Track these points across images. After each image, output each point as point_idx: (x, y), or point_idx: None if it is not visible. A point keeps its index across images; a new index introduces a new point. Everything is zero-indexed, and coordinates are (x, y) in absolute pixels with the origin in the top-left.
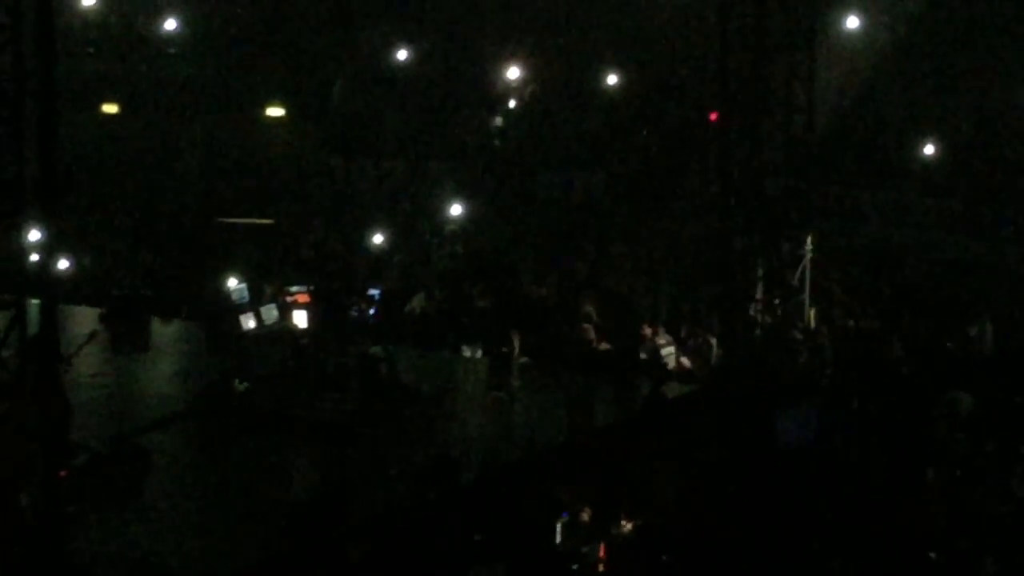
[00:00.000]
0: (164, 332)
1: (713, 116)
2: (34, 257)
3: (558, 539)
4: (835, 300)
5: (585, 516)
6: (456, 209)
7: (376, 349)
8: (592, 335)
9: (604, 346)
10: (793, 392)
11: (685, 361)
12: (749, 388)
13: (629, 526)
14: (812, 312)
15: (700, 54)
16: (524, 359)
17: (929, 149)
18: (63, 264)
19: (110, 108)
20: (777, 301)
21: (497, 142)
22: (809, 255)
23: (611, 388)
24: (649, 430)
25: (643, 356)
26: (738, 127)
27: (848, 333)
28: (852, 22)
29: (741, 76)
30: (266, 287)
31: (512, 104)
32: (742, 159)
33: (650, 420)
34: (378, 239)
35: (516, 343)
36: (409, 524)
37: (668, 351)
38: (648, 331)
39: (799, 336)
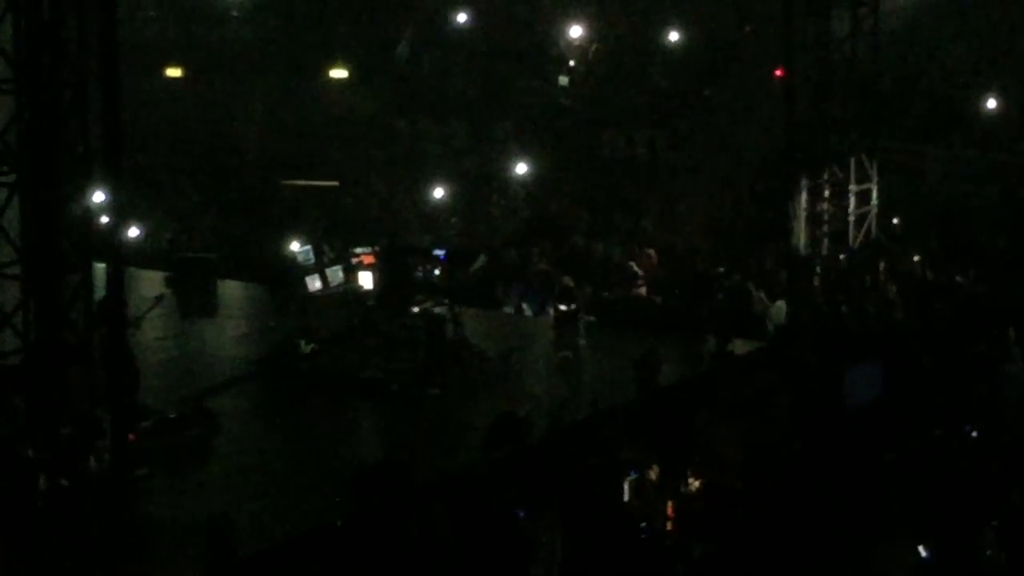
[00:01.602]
0: (230, 295)
1: (778, 72)
2: (101, 221)
3: (626, 497)
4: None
5: (652, 475)
6: (520, 169)
7: (442, 309)
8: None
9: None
10: (861, 348)
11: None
12: (816, 344)
13: (696, 484)
14: (881, 266)
15: (763, 10)
16: (589, 318)
17: (991, 104)
18: (132, 232)
19: (174, 72)
20: (842, 256)
21: (561, 101)
22: (875, 209)
23: (678, 345)
24: (716, 388)
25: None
26: (802, 83)
27: (917, 287)
28: None
29: (805, 31)
30: (331, 248)
31: (574, 63)
32: (807, 115)
33: (717, 378)
34: (442, 199)
35: (581, 301)
36: (476, 484)
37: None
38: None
39: (865, 291)
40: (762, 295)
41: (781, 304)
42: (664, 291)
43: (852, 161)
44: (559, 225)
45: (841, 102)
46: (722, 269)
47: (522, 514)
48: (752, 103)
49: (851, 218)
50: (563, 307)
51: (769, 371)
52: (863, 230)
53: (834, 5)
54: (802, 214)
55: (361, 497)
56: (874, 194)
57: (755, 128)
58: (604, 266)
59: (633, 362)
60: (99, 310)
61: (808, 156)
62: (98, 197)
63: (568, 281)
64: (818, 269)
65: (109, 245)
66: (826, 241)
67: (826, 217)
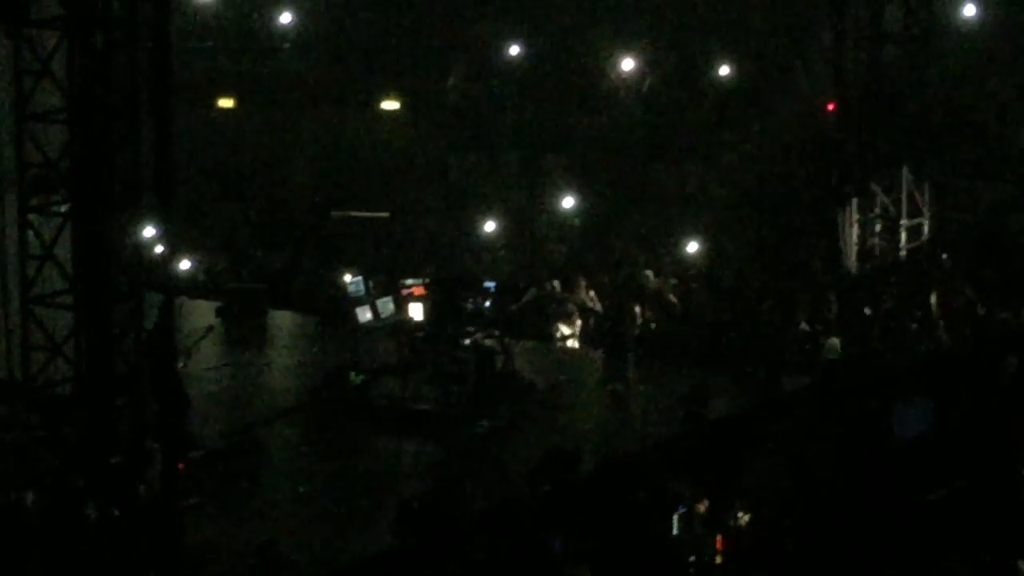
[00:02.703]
0: (280, 325)
1: (829, 106)
2: (153, 250)
3: (675, 531)
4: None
5: (701, 508)
6: (570, 201)
7: (491, 342)
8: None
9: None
10: (910, 382)
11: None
12: (866, 379)
13: (746, 518)
14: (933, 298)
15: (814, 44)
16: (639, 351)
17: None
18: (185, 263)
19: (226, 103)
20: (895, 290)
21: (610, 135)
22: (927, 240)
23: (727, 379)
24: (766, 422)
25: None
26: (853, 117)
27: (968, 320)
28: (968, 10)
29: (856, 66)
30: (381, 280)
31: (625, 96)
32: (856, 149)
33: (767, 411)
34: (492, 231)
35: (632, 334)
36: (524, 517)
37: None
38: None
39: (916, 325)
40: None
41: (835, 341)
42: (713, 325)
43: (904, 196)
44: (610, 258)
45: (891, 135)
46: (769, 303)
47: (557, 544)
48: (802, 136)
49: (903, 253)
50: (614, 340)
51: (818, 405)
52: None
53: (885, 39)
54: (853, 249)
55: (407, 529)
56: (925, 228)
57: (806, 162)
58: (657, 299)
59: (682, 396)
60: (150, 340)
61: (858, 190)
62: (150, 229)
63: (578, 302)
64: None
65: (160, 275)
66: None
67: (877, 252)
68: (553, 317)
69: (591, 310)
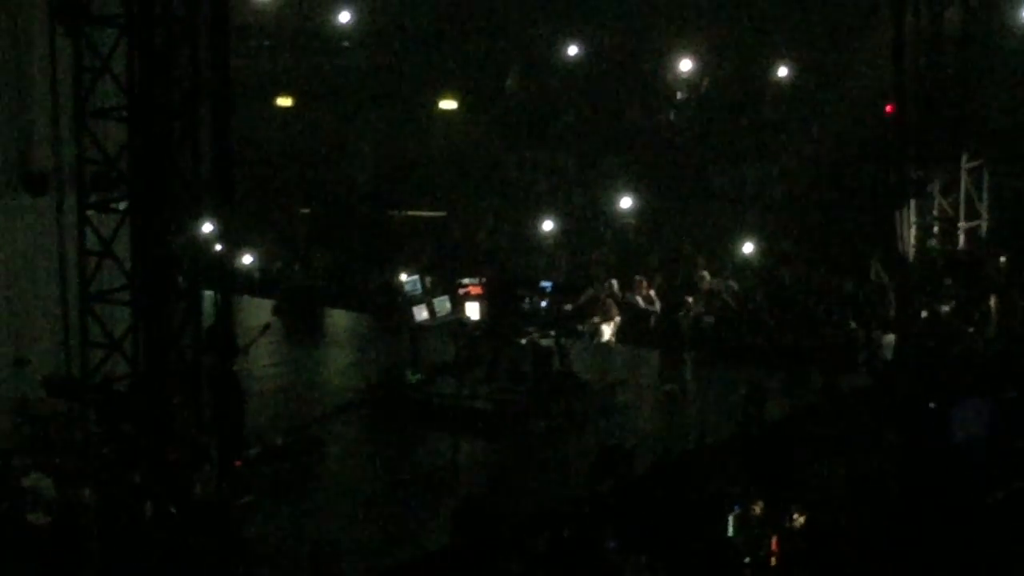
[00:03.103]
0: (337, 324)
1: (889, 108)
2: (211, 248)
3: (730, 532)
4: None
5: (757, 509)
6: (627, 201)
7: (548, 341)
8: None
9: None
10: (968, 384)
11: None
12: (923, 380)
13: (801, 520)
14: (993, 301)
15: (874, 46)
16: (695, 350)
17: None
18: (247, 259)
19: (284, 101)
20: (953, 292)
21: (669, 135)
22: (985, 242)
23: (783, 379)
24: (822, 422)
25: None
26: (912, 119)
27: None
28: None
29: (915, 68)
30: (438, 279)
31: (683, 96)
32: (914, 151)
33: (823, 412)
34: (550, 231)
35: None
36: (580, 515)
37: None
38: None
39: (972, 328)
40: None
41: (891, 338)
42: (770, 325)
43: (962, 197)
44: (667, 258)
45: (950, 138)
46: (826, 304)
47: (612, 545)
48: (861, 138)
49: (960, 255)
50: (671, 341)
51: (875, 406)
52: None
53: (945, 41)
54: (911, 251)
55: (464, 527)
56: (983, 230)
57: (863, 163)
58: (713, 299)
59: (739, 396)
60: (207, 337)
61: (916, 191)
62: (209, 226)
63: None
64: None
65: (219, 272)
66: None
67: (935, 254)
68: (591, 315)
69: (649, 309)
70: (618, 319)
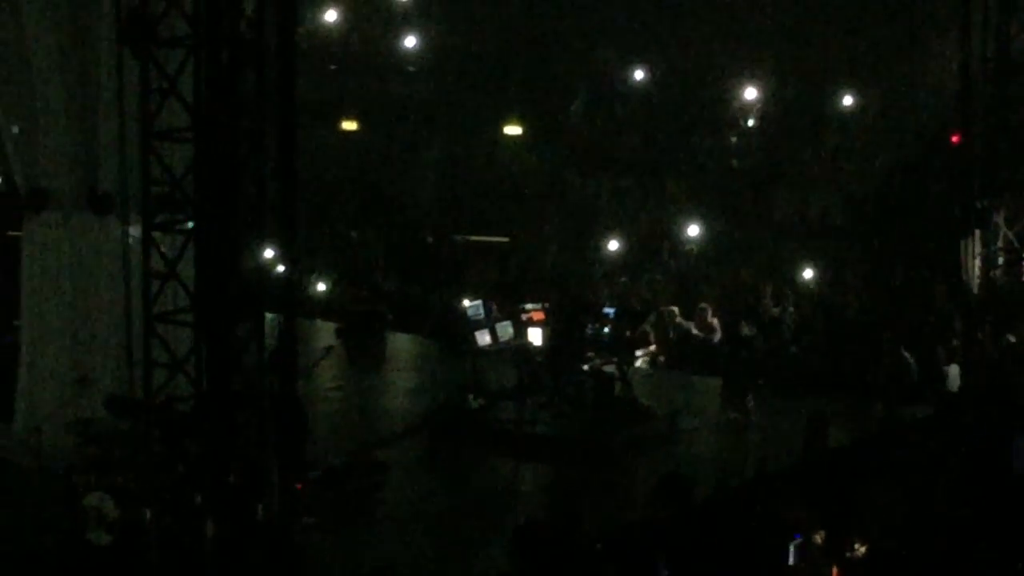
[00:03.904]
0: (400, 347)
1: (955, 138)
2: (275, 270)
3: (791, 560)
4: None
5: (818, 538)
6: (693, 229)
7: (610, 368)
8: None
9: None
10: None
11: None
12: (987, 411)
13: (863, 549)
14: None
15: (940, 73)
16: (758, 378)
17: None
18: (320, 287)
19: (349, 125)
20: (1017, 323)
21: (734, 161)
22: None
23: (846, 408)
24: (885, 451)
25: None
26: (980, 149)
27: None
28: None
29: (983, 97)
30: (500, 304)
31: (749, 123)
32: (980, 181)
33: (886, 441)
34: (614, 257)
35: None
36: (640, 542)
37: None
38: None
39: None
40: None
41: (955, 368)
42: (833, 353)
43: None
44: (730, 284)
45: (1016, 168)
46: (890, 333)
47: (666, 573)
48: (926, 166)
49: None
50: (734, 369)
51: (938, 436)
52: None
53: (1013, 70)
54: (975, 281)
55: (524, 552)
56: None
57: (930, 192)
58: (776, 326)
59: (801, 424)
60: (270, 359)
61: (981, 222)
62: (273, 248)
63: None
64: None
65: (282, 295)
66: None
67: (1000, 285)
68: (632, 342)
69: (704, 336)
70: (652, 347)
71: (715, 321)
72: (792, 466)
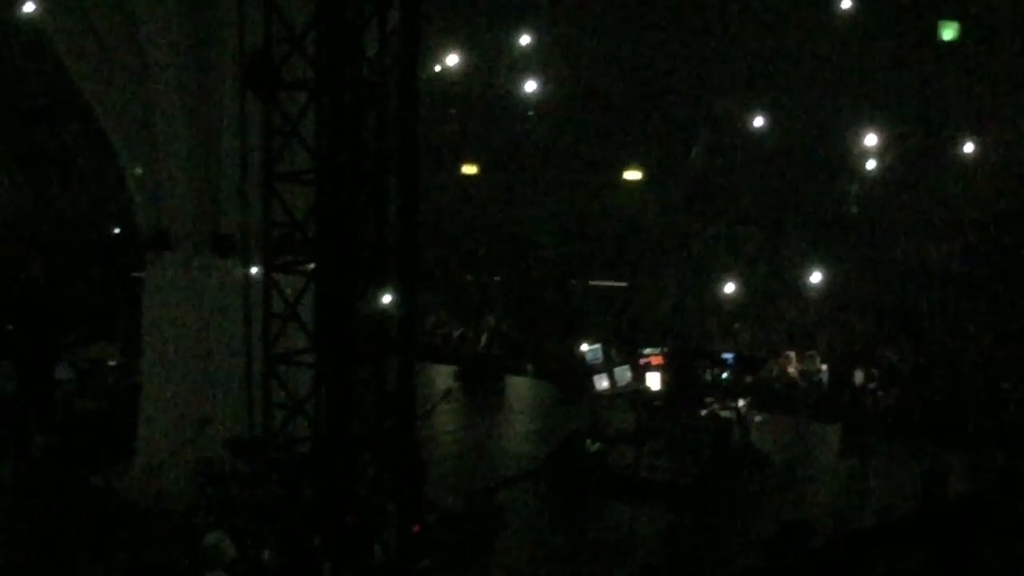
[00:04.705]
0: (518, 391)
1: None
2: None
3: None
4: None
5: None
6: (815, 276)
7: (728, 413)
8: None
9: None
10: None
11: None
12: None
13: None
14: None
15: None
16: (877, 425)
17: None
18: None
19: (470, 169)
20: None
21: (854, 208)
22: None
23: (966, 458)
24: (1005, 502)
25: None
26: None
27: None
28: None
29: None
30: (619, 348)
31: (868, 169)
32: None
33: (1006, 491)
34: (733, 303)
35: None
36: None
37: None
38: None
39: None
40: None
41: None
42: (952, 402)
43: None
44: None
45: None
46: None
47: None
48: None
49: None
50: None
51: None
52: None
53: None
54: None
55: None
56: None
57: None
58: (893, 374)
59: (920, 473)
60: (389, 401)
61: None
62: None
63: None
64: None
65: (402, 338)
66: None
67: None
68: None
69: (799, 382)
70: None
71: (823, 368)
72: (912, 515)
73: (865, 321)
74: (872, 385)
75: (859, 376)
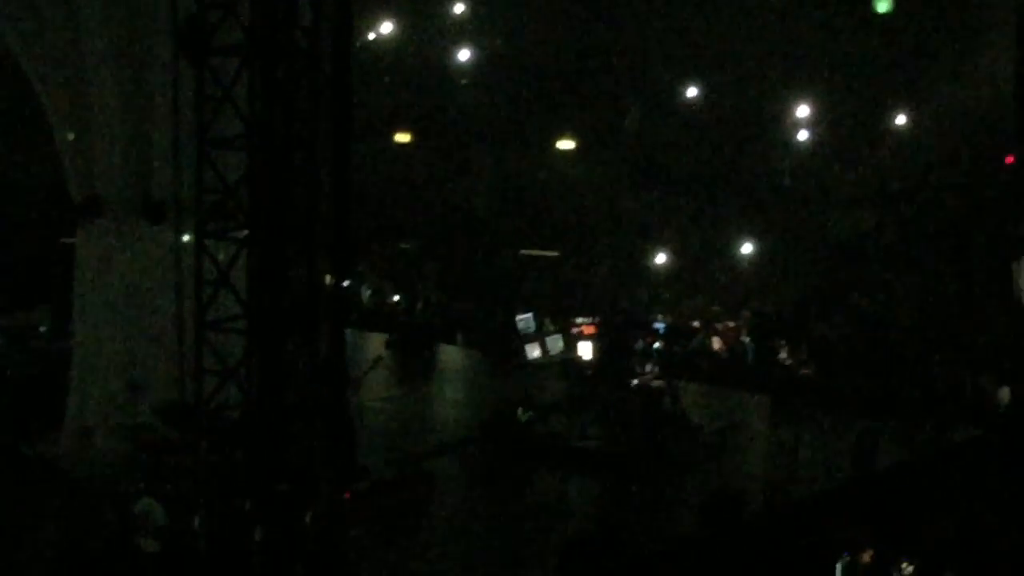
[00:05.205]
0: (450, 359)
1: (1008, 159)
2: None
3: None
4: None
5: (866, 557)
6: (747, 247)
7: (659, 383)
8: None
9: None
10: None
11: None
12: None
13: (910, 569)
14: None
15: (995, 95)
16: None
17: None
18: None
19: (403, 137)
20: None
21: (786, 180)
22: None
23: (895, 429)
24: (933, 472)
25: None
26: None
27: None
28: None
29: None
30: (551, 318)
31: (801, 140)
32: None
33: (935, 462)
34: (664, 273)
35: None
36: (687, 559)
37: None
38: None
39: None
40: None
41: (1006, 390)
42: (883, 373)
43: None
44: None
45: None
46: (940, 354)
47: None
48: (979, 187)
49: None
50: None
51: (988, 458)
52: None
53: None
54: None
55: (572, 568)
56: None
57: (983, 213)
58: (824, 345)
59: (850, 444)
60: (320, 369)
61: None
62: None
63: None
64: None
65: (333, 305)
66: None
67: None
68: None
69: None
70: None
71: (746, 340)
72: (841, 485)
73: (795, 291)
74: (797, 361)
75: (784, 352)
